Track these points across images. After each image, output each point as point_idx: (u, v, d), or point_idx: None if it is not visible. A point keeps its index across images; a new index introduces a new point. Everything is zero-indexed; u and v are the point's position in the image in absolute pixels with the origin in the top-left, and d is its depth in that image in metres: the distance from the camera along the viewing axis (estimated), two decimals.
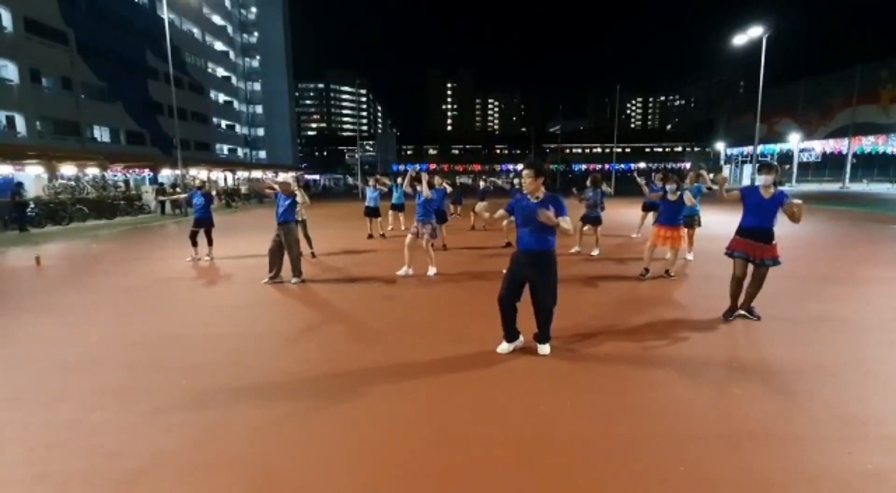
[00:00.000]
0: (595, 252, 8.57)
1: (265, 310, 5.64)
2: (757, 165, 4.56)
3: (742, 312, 4.81)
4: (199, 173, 31.61)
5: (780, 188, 4.58)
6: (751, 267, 4.66)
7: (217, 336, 4.59)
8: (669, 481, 2.32)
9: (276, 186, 6.94)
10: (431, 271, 7.11)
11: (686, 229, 7.50)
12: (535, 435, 2.74)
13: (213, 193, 22.55)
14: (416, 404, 3.16)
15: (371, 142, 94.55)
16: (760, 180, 4.56)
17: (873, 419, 2.86)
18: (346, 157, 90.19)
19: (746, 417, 2.90)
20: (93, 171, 22.20)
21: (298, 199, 7.24)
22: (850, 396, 3.15)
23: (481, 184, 17.11)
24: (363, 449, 2.64)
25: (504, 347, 3.97)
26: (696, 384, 3.36)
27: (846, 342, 4.15)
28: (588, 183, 8.88)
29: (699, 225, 8.20)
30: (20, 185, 15.93)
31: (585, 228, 8.81)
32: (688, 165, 56.69)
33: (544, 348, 3.93)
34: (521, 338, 4.03)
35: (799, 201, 4.39)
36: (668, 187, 6.73)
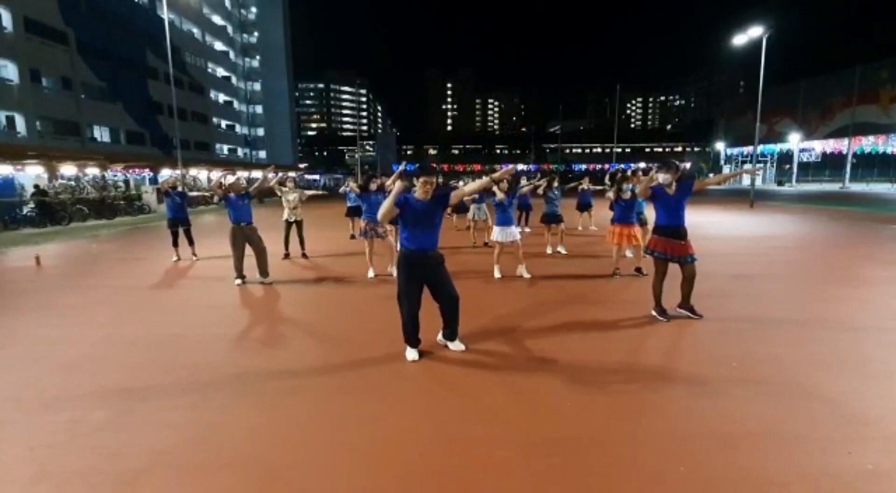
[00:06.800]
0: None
1: (265, 309, 5.64)
2: (656, 165, 4.72)
3: (683, 311, 4.85)
4: (198, 173, 31.65)
5: (689, 180, 4.71)
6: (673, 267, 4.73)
7: (216, 336, 4.59)
8: (669, 481, 2.32)
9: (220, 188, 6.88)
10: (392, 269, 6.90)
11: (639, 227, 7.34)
12: (535, 435, 2.74)
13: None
14: (417, 404, 3.16)
15: (371, 142, 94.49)
16: (660, 179, 4.63)
17: (873, 419, 2.85)
18: (347, 157, 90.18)
19: (746, 417, 2.89)
20: (93, 171, 22.20)
21: (291, 197, 7.34)
22: (850, 396, 3.15)
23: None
24: (363, 449, 2.63)
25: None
26: (696, 384, 3.36)
27: (846, 342, 4.15)
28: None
29: (645, 223, 7.84)
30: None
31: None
32: (688, 165, 56.48)
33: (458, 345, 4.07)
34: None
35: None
36: (624, 187, 6.73)
